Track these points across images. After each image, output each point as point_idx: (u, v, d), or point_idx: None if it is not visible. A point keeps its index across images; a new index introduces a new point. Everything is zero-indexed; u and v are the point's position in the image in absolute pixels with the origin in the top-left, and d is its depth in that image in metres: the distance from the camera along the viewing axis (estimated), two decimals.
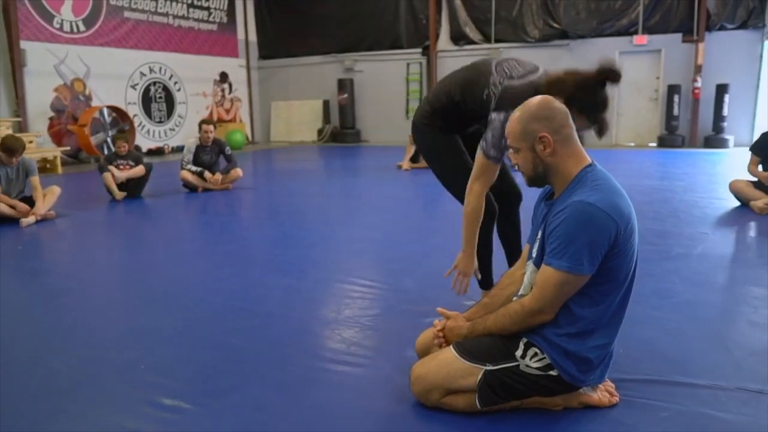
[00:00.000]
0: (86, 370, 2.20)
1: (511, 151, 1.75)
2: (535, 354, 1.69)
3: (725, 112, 10.99)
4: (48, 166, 9.50)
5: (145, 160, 6.74)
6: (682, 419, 1.75)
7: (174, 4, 12.89)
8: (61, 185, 5.63)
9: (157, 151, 12.44)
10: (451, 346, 1.79)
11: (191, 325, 2.67)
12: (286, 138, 15.29)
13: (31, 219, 5.08)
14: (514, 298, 1.84)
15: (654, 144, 11.87)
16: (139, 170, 6.41)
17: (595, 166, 1.69)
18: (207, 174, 6.72)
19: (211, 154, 6.82)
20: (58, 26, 10.56)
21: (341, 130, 14.40)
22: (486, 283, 2.66)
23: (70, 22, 10.79)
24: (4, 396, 2.00)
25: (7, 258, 4.01)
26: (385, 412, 1.86)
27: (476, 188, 2.28)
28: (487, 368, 1.70)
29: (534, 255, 1.76)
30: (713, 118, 11.13)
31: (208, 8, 13.82)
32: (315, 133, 14.86)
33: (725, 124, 11.05)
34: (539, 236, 1.73)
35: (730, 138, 11.03)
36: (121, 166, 6.39)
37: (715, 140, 11.06)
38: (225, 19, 14.36)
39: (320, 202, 6.35)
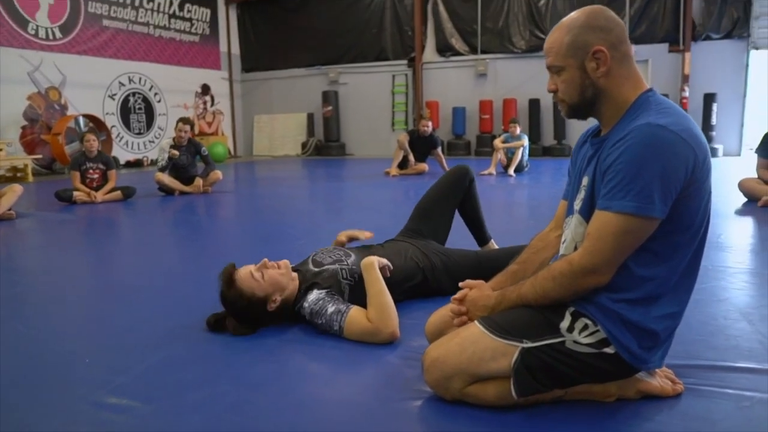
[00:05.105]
0: (18, 368, 1.79)
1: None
2: (586, 326, 1.30)
3: (714, 121, 10.90)
4: (18, 174, 9.02)
5: (117, 166, 6.38)
6: None
7: (155, 14, 12.55)
8: (30, 191, 5.17)
9: (136, 163, 11.97)
10: (476, 321, 1.39)
11: (151, 316, 2.26)
12: (269, 152, 14.89)
13: None
14: (551, 263, 1.48)
15: None
16: (116, 195, 6.05)
17: (655, 91, 1.34)
18: (191, 186, 6.48)
19: (186, 154, 6.45)
20: (33, 32, 10.15)
21: (326, 143, 14.05)
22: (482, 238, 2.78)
23: (46, 29, 10.38)
24: None
25: None
26: (392, 410, 1.46)
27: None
28: (525, 345, 1.31)
29: (578, 207, 1.39)
30: (702, 127, 10.98)
31: (190, 19, 13.49)
32: (299, 147, 14.49)
33: (714, 133, 10.94)
34: (585, 182, 1.37)
35: (719, 147, 10.89)
36: (90, 171, 5.98)
37: None
38: (207, 31, 14.04)
39: (306, 204, 5.97)
